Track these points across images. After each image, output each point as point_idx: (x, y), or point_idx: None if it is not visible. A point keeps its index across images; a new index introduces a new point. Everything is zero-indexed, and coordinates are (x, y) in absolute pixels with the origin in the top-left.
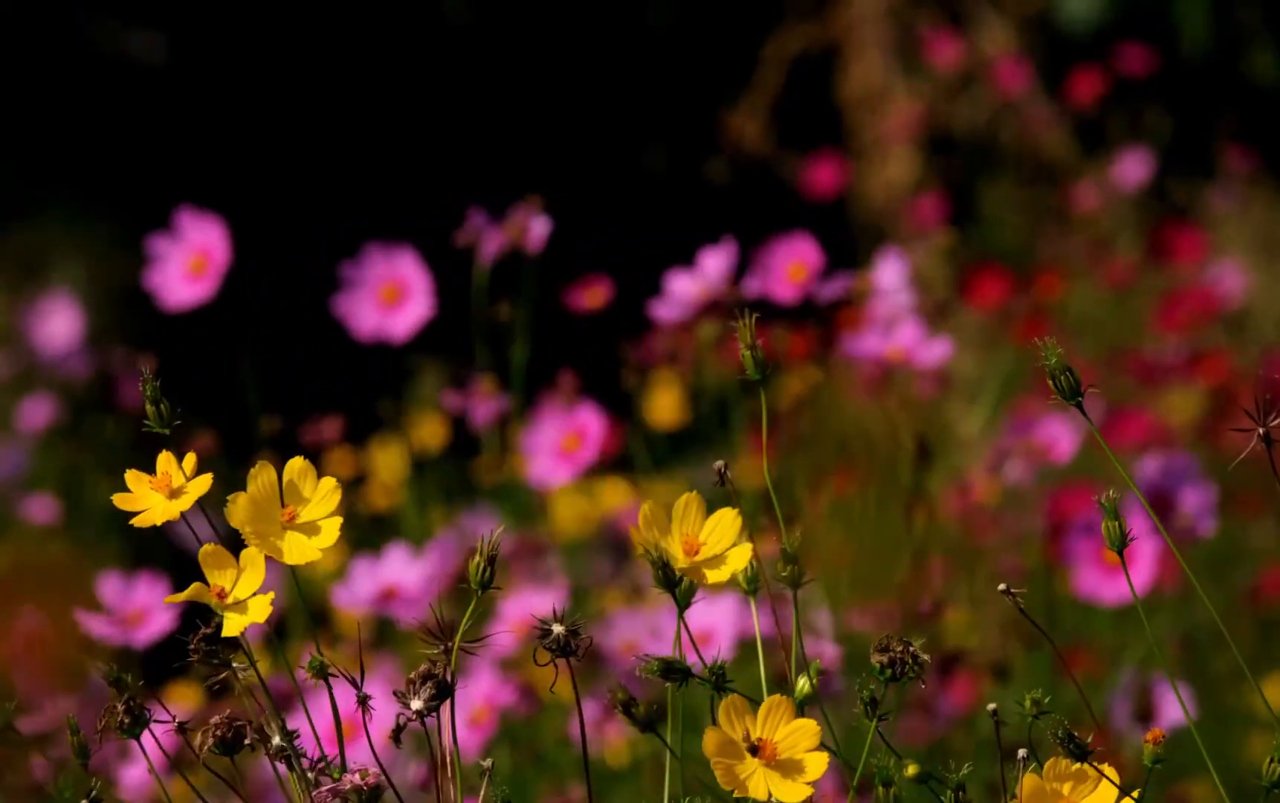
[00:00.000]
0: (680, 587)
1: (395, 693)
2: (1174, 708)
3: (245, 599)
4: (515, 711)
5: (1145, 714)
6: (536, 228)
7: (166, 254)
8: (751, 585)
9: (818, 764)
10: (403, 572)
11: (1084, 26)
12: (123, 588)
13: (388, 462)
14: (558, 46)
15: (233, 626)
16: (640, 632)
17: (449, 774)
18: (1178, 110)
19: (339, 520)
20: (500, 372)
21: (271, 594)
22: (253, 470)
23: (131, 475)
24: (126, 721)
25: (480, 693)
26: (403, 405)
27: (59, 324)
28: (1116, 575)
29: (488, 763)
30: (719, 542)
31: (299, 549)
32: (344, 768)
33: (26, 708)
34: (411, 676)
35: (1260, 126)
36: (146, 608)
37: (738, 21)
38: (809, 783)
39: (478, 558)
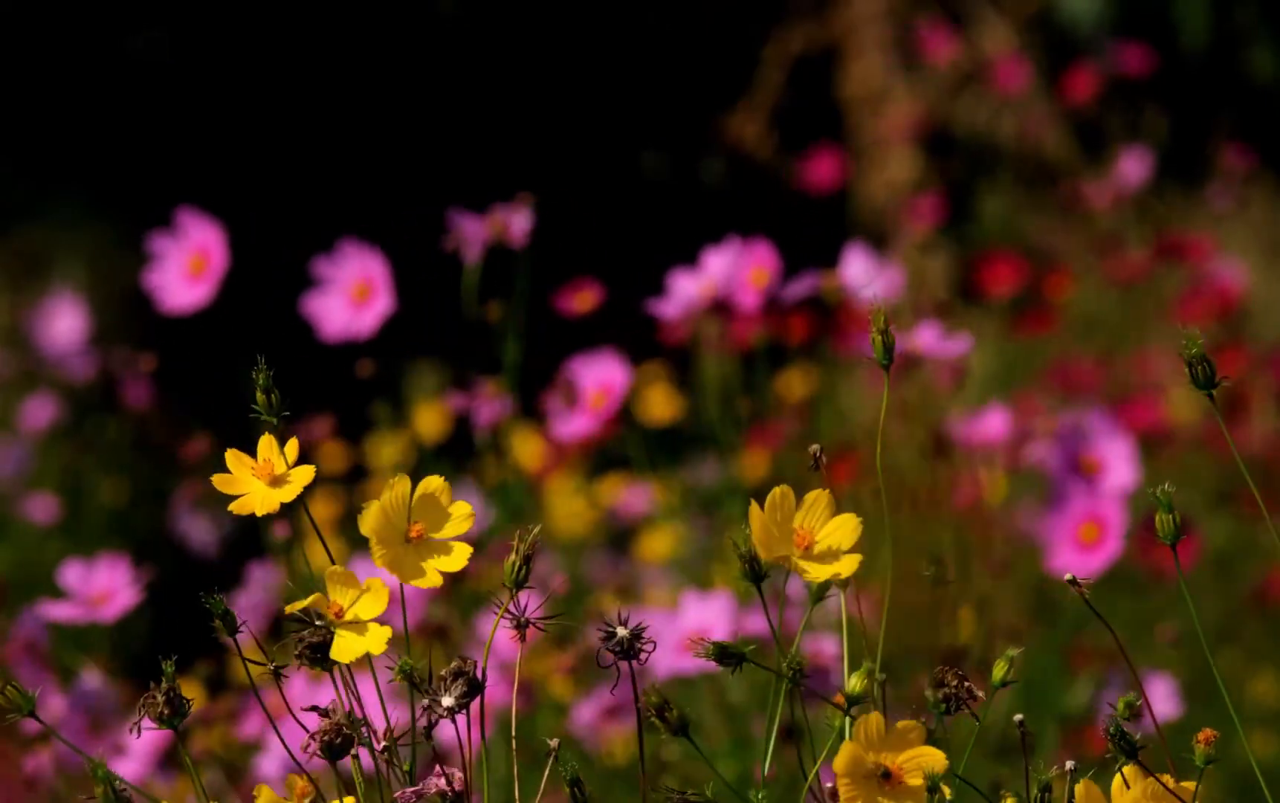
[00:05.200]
0: (765, 579)
1: (425, 690)
2: (1164, 702)
3: (365, 621)
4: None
5: (1134, 711)
6: (518, 223)
7: (167, 253)
8: (843, 585)
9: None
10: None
11: (1085, 25)
12: (84, 573)
13: (386, 457)
14: (556, 46)
15: (345, 649)
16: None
17: (472, 775)
18: (1177, 109)
19: (469, 550)
20: (495, 371)
21: (389, 630)
22: (389, 480)
23: (232, 456)
24: (166, 711)
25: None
26: (400, 403)
27: (65, 324)
28: (1089, 553)
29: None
30: (836, 541)
31: (421, 568)
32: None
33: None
34: (442, 673)
35: (1259, 125)
36: (110, 589)
37: (738, 21)
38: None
39: (513, 556)
